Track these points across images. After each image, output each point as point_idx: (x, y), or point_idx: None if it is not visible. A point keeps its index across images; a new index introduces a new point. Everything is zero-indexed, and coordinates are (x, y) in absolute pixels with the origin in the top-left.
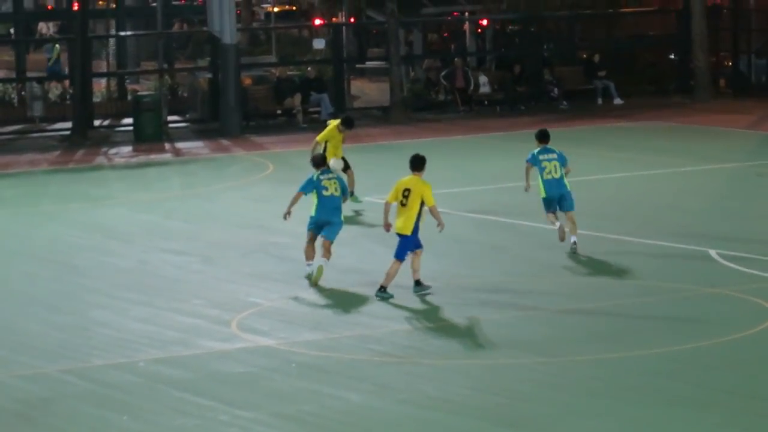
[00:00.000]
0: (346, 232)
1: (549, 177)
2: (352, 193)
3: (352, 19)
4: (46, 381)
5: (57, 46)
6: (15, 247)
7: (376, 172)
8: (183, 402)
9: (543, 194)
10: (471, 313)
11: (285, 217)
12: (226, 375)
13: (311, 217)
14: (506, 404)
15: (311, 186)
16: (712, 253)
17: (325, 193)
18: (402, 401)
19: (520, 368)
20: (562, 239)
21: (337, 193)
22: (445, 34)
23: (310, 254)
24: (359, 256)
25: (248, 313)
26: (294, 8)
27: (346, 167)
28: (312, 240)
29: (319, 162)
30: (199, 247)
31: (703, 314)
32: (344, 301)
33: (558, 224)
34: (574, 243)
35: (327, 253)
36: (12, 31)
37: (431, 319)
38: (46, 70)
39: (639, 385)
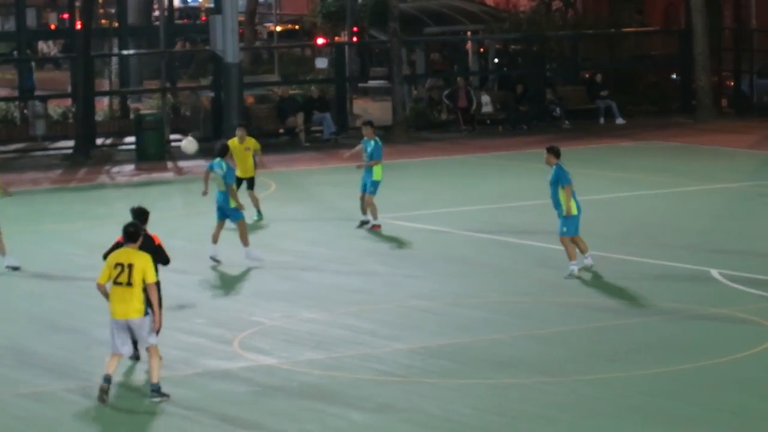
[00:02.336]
0: (349, 252)
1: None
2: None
3: (354, 39)
4: (49, 399)
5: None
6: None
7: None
8: (186, 420)
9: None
10: (472, 332)
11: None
12: (229, 394)
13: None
14: (509, 424)
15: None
16: (714, 272)
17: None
18: (404, 420)
19: (522, 388)
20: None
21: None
22: (445, 54)
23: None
24: (361, 275)
25: (250, 332)
26: (297, 27)
27: (249, 187)
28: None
29: (558, 152)
30: (200, 266)
31: (705, 334)
32: (346, 321)
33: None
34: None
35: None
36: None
37: (433, 338)
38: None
39: (641, 405)
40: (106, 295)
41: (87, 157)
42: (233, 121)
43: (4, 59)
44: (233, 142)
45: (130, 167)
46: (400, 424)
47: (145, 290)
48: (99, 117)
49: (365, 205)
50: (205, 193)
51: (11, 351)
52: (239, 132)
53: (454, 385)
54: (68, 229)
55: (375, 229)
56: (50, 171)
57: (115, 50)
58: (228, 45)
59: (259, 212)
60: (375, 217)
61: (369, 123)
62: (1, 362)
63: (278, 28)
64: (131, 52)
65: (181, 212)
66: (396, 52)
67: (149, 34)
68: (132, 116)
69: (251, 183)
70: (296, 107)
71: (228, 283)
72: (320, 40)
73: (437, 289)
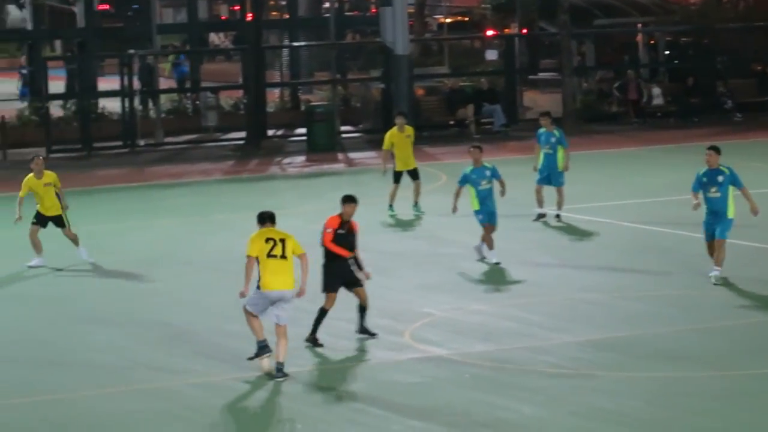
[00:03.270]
0: (518, 244)
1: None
2: (415, 203)
3: (524, 31)
4: (218, 389)
5: (170, 57)
6: (187, 255)
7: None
8: (356, 412)
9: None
10: (638, 325)
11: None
12: (399, 385)
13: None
14: (677, 418)
15: (698, 186)
16: None
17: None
18: (574, 413)
19: (689, 382)
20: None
21: (718, 195)
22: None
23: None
24: (529, 267)
25: (421, 323)
26: (467, 19)
27: (415, 177)
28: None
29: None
30: (370, 257)
31: None
32: (514, 313)
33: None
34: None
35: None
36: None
37: (600, 331)
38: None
39: None
40: (251, 270)
41: (258, 148)
42: (403, 112)
43: (176, 50)
44: (393, 132)
45: (300, 158)
46: (570, 417)
47: None
48: (270, 108)
49: (559, 197)
50: (454, 209)
51: (182, 341)
52: (398, 120)
53: (623, 378)
54: (237, 219)
55: (558, 220)
56: (221, 162)
57: (286, 42)
58: (398, 37)
59: (416, 204)
60: (561, 207)
61: (547, 114)
62: (173, 351)
63: (448, 20)
64: (302, 44)
65: None
66: (566, 44)
67: (319, 25)
68: (303, 108)
69: (415, 173)
70: (466, 99)
71: (396, 275)
72: (490, 32)
73: (603, 281)
